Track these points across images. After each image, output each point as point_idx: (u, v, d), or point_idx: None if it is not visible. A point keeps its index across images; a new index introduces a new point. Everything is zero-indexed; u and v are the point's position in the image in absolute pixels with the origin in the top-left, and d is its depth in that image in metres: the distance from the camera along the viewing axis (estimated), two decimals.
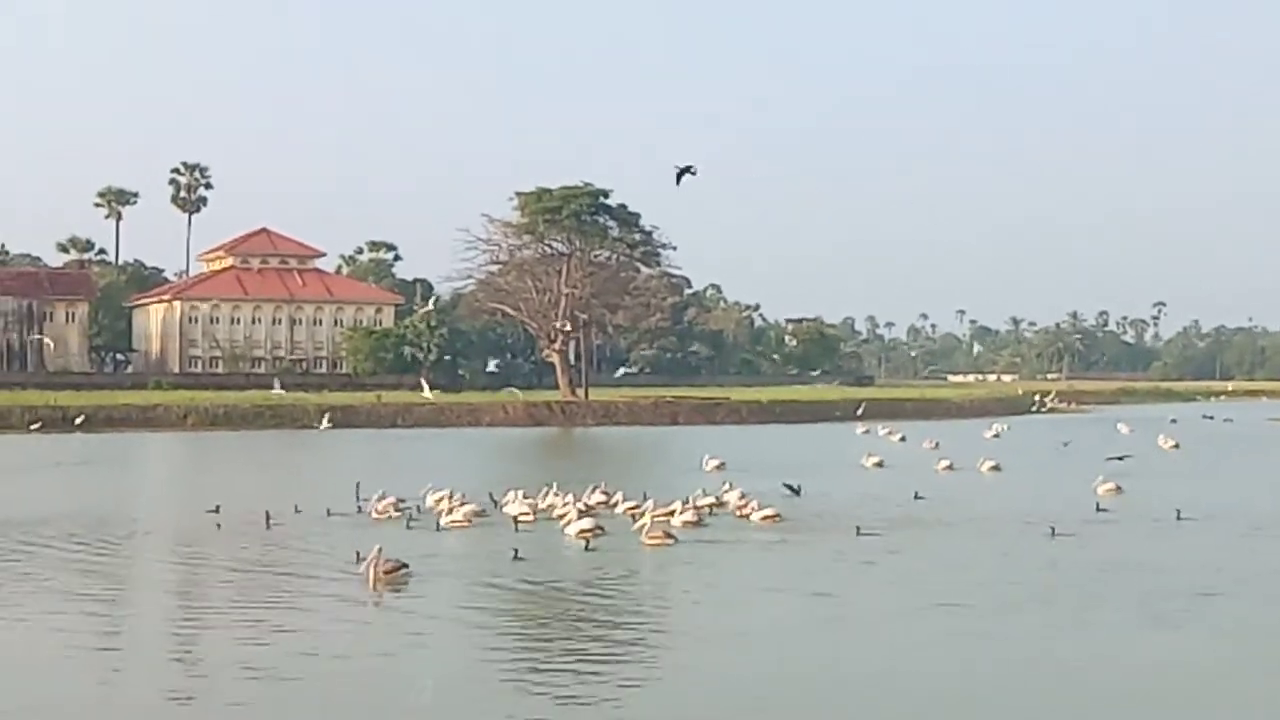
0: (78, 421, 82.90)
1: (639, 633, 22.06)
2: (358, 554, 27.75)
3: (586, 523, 32.31)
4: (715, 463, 52.37)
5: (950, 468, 53.77)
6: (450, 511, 35.00)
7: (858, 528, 33.40)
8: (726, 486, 39.71)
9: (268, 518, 34.65)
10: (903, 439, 73.60)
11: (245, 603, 24.23)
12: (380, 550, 25.75)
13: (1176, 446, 70.27)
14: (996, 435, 77.01)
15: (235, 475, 51.46)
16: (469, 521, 34.37)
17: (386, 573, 25.46)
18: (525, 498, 36.33)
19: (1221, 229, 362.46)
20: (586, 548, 30.35)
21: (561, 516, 34.26)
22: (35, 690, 18.18)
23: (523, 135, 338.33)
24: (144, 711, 17.33)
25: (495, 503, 37.03)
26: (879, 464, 55.22)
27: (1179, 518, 36.26)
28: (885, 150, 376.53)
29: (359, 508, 37.27)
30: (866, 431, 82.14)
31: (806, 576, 27.10)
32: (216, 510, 35.83)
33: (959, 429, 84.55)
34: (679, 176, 39.25)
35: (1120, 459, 55.17)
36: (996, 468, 53.53)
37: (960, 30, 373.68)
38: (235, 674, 18.68)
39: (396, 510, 35.97)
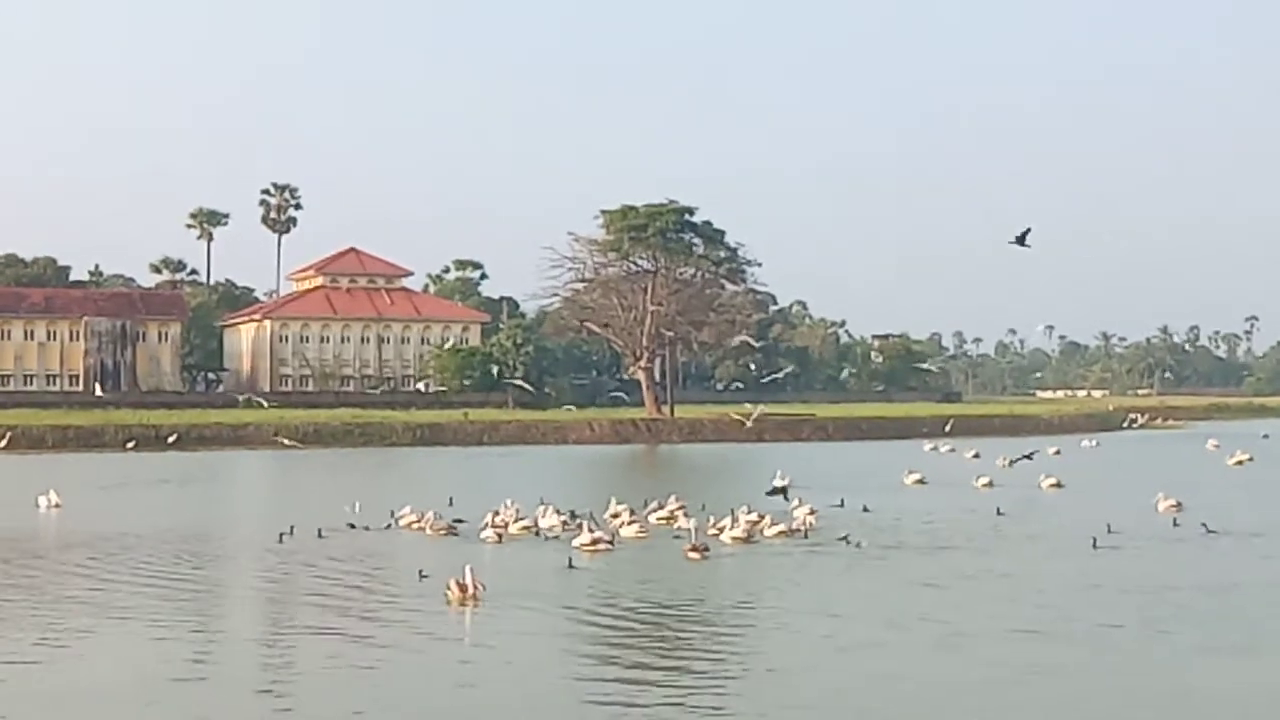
0: (171, 440, 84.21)
1: (715, 652, 22.01)
2: (420, 572, 28.39)
3: (588, 537, 33.24)
4: (784, 481, 52.51)
5: (990, 484, 52.96)
6: (492, 526, 35.96)
7: (847, 538, 34.30)
8: (796, 503, 40.34)
9: (320, 532, 35.99)
10: (976, 455, 72.98)
11: (332, 622, 24.41)
12: (471, 569, 26.01)
13: (1240, 463, 69.70)
14: (1058, 452, 76.46)
15: (320, 493, 51.99)
16: (499, 538, 35.20)
17: (473, 591, 25.65)
18: (559, 513, 37.62)
19: None
20: (569, 564, 30.62)
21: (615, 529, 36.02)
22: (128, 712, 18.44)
23: (608, 153, 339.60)
24: None
25: (535, 520, 37.62)
26: (920, 481, 54.92)
27: (1207, 531, 36.41)
28: (969, 165, 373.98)
29: (390, 524, 38.25)
30: (934, 448, 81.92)
31: (842, 593, 27.21)
32: (319, 534, 36.25)
33: (1041, 446, 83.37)
34: (1021, 239, 40.20)
35: (1029, 457, 57.63)
36: (1058, 484, 53.02)
37: (1043, 43, 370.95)
38: (336, 696, 18.78)
39: (449, 527, 36.89)
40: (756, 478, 55.03)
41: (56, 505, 43.44)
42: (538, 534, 35.69)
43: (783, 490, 40.17)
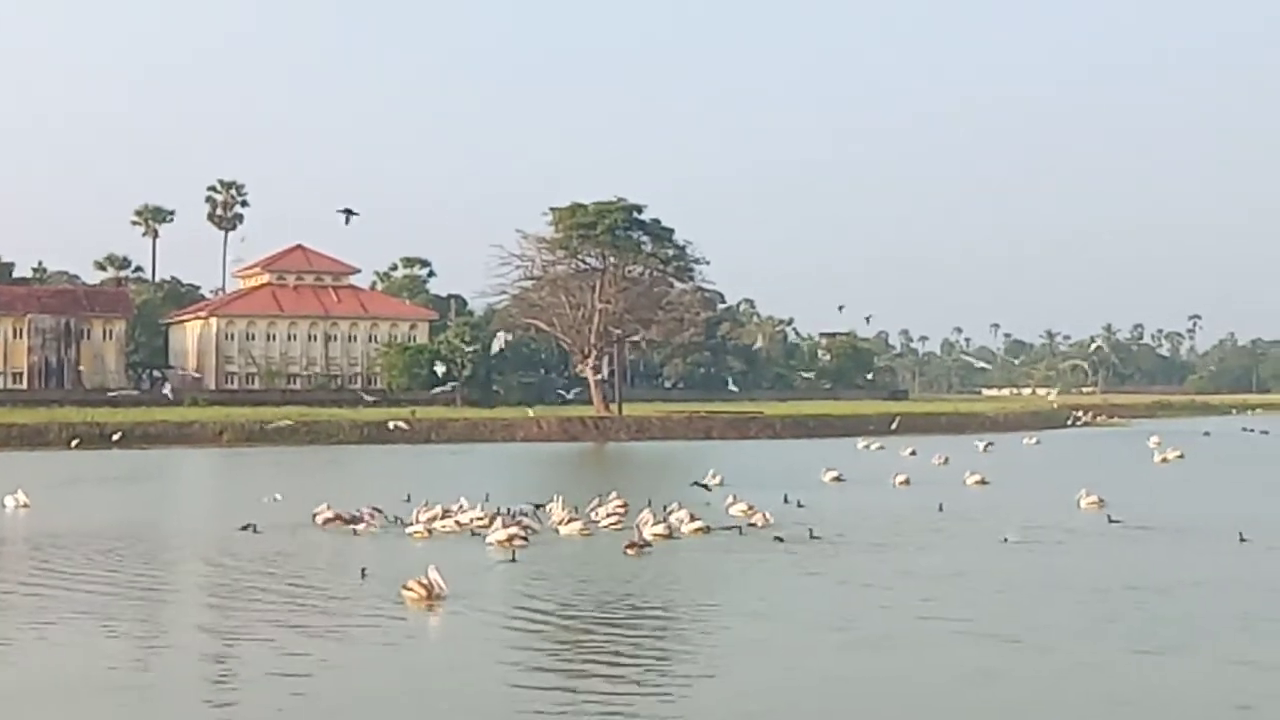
0: (115, 438, 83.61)
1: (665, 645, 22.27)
2: (363, 571, 28.41)
3: (502, 533, 33.74)
4: (716, 479, 52.98)
5: (907, 482, 53.58)
6: (419, 522, 36.53)
7: (780, 537, 34.58)
8: (731, 499, 41.44)
9: (254, 528, 36.38)
10: (912, 453, 73.97)
11: (284, 622, 24.26)
12: (436, 569, 25.97)
13: (1167, 460, 71.27)
14: (988, 448, 77.50)
15: (262, 491, 51.94)
16: (428, 532, 35.81)
17: (438, 591, 25.58)
18: (502, 513, 37.93)
19: (1257, 241, 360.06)
20: (512, 559, 30.89)
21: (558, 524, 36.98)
22: (68, 708, 18.43)
23: (557, 151, 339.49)
24: None
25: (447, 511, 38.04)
26: (837, 478, 55.42)
27: (1119, 524, 37.13)
28: (918, 165, 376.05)
29: (313, 519, 38.44)
30: (866, 446, 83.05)
31: (777, 591, 27.50)
32: (254, 530, 36.42)
33: (973, 444, 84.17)
34: (346, 217, 40.75)
35: (704, 486, 51.26)
36: (983, 481, 53.67)
37: (989, 46, 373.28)
38: (288, 703, 18.67)
39: (375, 522, 37.27)
40: (701, 475, 55.41)
41: (24, 505, 43.39)
42: (475, 535, 35.63)
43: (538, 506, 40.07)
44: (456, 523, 36.63)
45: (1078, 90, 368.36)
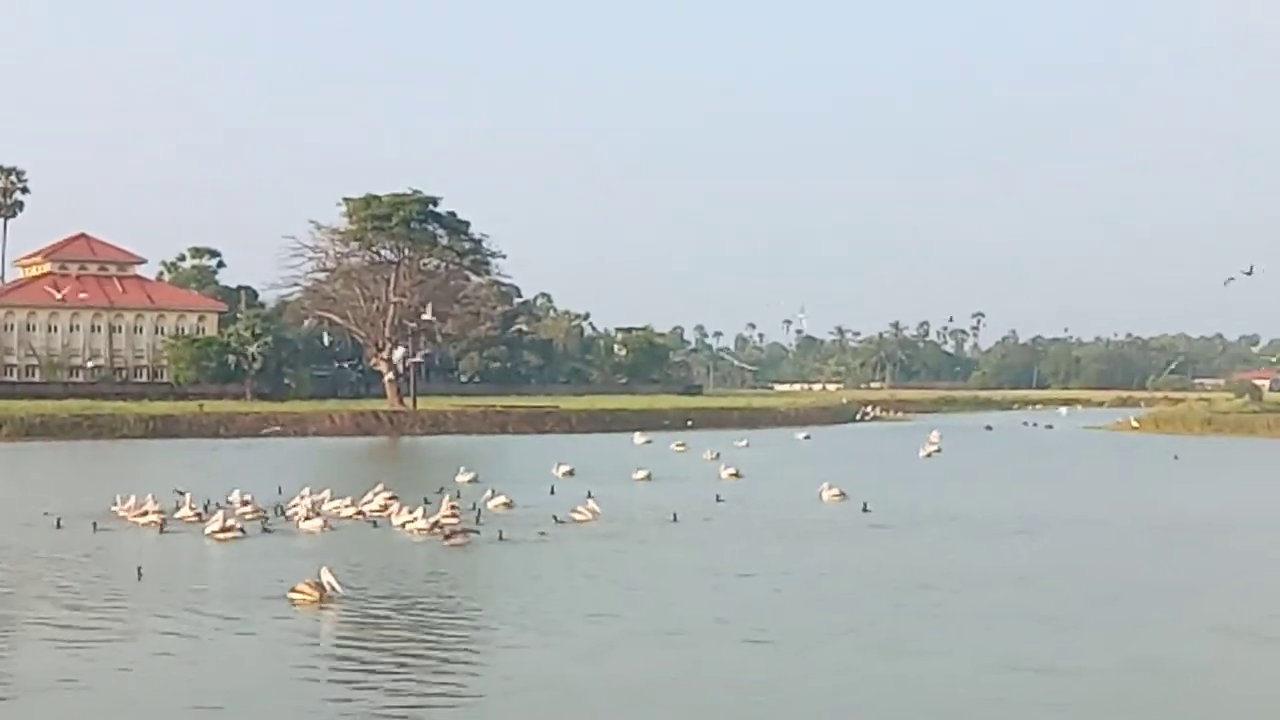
0: None
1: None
2: (139, 570, 28.02)
3: (216, 524, 34.63)
4: (468, 476, 52.78)
5: (648, 478, 54.65)
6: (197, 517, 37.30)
7: (500, 532, 34.62)
8: (489, 494, 42.60)
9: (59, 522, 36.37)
10: (680, 445, 76.78)
11: (58, 625, 23.67)
12: (329, 569, 25.62)
13: (930, 455, 74.92)
14: (747, 445, 79.47)
15: (40, 487, 50.41)
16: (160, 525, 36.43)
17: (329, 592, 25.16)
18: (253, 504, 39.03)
19: (1036, 244, 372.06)
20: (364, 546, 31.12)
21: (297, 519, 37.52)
22: None
23: (350, 140, 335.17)
24: None
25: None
26: (569, 473, 56.09)
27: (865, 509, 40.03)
28: (712, 163, 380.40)
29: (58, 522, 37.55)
30: (641, 442, 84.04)
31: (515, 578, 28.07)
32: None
33: (743, 438, 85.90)
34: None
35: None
36: (737, 475, 55.15)
37: (795, 47, 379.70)
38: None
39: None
40: (488, 470, 55.36)
41: None
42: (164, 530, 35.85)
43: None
44: (197, 515, 37.26)
45: (863, 100, 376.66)
